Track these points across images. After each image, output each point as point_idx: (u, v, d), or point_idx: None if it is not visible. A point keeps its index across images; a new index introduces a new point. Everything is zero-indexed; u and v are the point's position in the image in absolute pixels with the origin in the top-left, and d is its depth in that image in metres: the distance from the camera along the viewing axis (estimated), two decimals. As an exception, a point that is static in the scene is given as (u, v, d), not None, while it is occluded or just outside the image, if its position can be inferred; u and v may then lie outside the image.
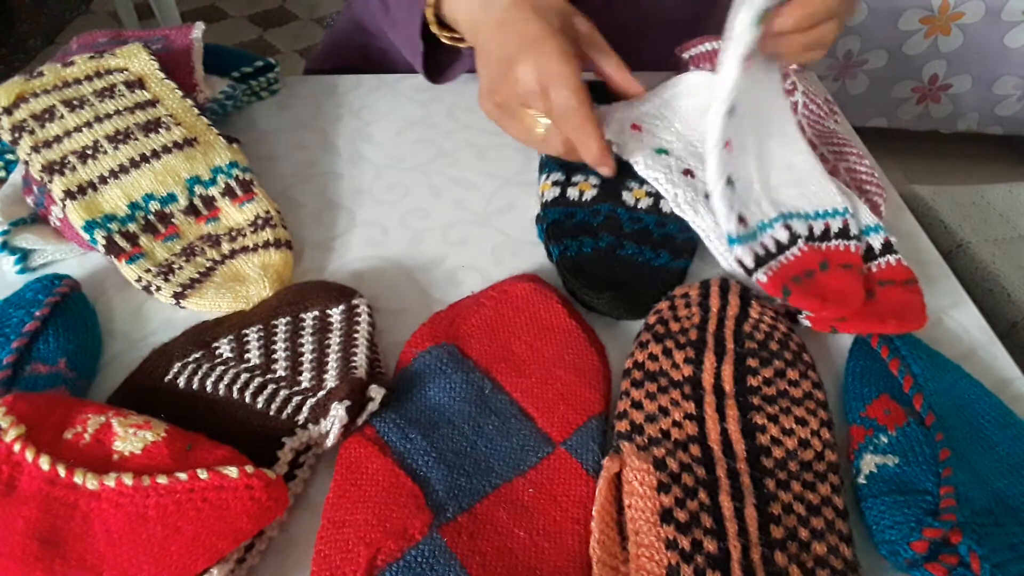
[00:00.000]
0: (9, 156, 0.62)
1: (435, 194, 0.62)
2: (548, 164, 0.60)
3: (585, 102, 0.50)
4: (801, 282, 0.49)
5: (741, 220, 0.51)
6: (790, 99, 0.63)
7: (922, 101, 1.78)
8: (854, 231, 0.52)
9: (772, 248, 0.51)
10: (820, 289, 0.48)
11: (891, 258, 0.51)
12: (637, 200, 0.57)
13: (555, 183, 0.58)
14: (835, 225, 0.52)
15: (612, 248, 0.54)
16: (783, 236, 0.51)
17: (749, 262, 0.50)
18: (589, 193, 0.57)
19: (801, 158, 0.56)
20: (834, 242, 0.52)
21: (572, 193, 0.58)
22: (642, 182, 0.59)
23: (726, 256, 0.53)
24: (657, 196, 0.58)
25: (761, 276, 0.49)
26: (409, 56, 0.67)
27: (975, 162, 1.93)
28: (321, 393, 0.43)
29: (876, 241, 0.52)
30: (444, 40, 0.62)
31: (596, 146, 0.51)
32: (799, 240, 0.51)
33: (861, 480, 0.41)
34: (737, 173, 0.52)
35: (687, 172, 0.57)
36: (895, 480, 0.40)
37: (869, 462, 0.41)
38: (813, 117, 0.63)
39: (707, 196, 0.55)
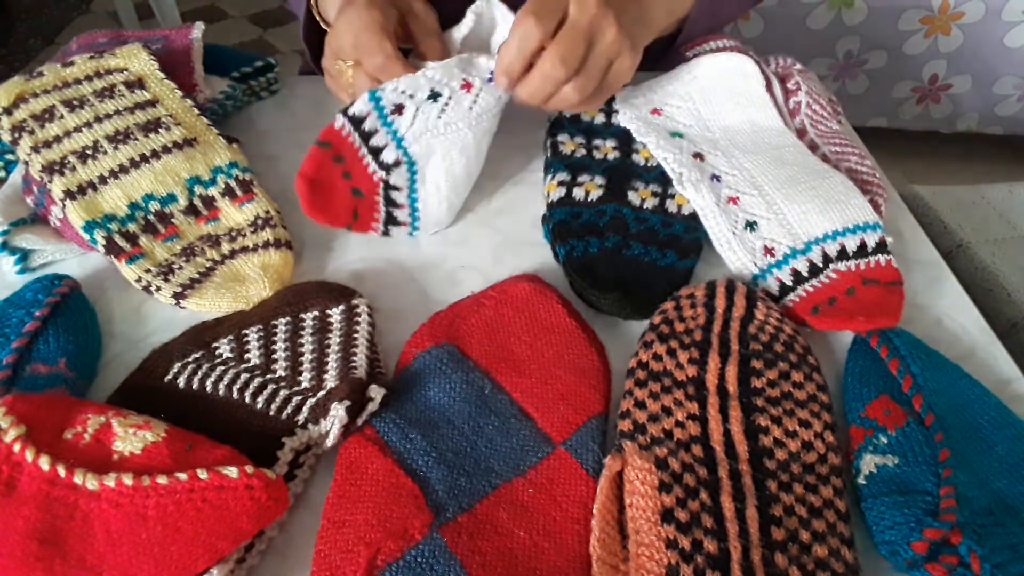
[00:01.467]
0: (9, 156, 0.62)
1: (435, 194, 0.62)
2: (554, 164, 0.60)
3: (391, 54, 0.52)
4: (836, 302, 0.49)
5: (769, 251, 0.52)
6: (793, 99, 0.64)
7: (922, 101, 1.78)
8: (891, 245, 0.52)
9: (804, 272, 0.51)
10: (857, 306, 0.48)
11: (881, 258, 0.51)
12: (643, 200, 0.57)
13: (561, 183, 0.58)
14: (871, 240, 0.52)
15: (618, 248, 0.54)
16: (817, 258, 0.52)
17: (776, 290, 0.51)
18: (595, 193, 0.58)
19: (826, 177, 0.56)
20: (872, 258, 0.51)
21: (578, 193, 0.58)
22: (647, 182, 0.59)
23: (731, 256, 0.53)
24: (663, 196, 0.58)
25: (793, 298, 0.50)
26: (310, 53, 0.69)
27: (975, 162, 1.92)
28: (321, 393, 0.43)
29: (871, 239, 0.52)
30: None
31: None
32: (831, 263, 0.51)
33: (861, 480, 0.41)
34: (757, 214, 0.54)
35: (697, 155, 0.58)
36: (895, 480, 0.40)
37: (869, 462, 0.41)
38: (816, 117, 0.63)
39: (713, 177, 0.56)
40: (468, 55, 0.52)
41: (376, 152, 0.51)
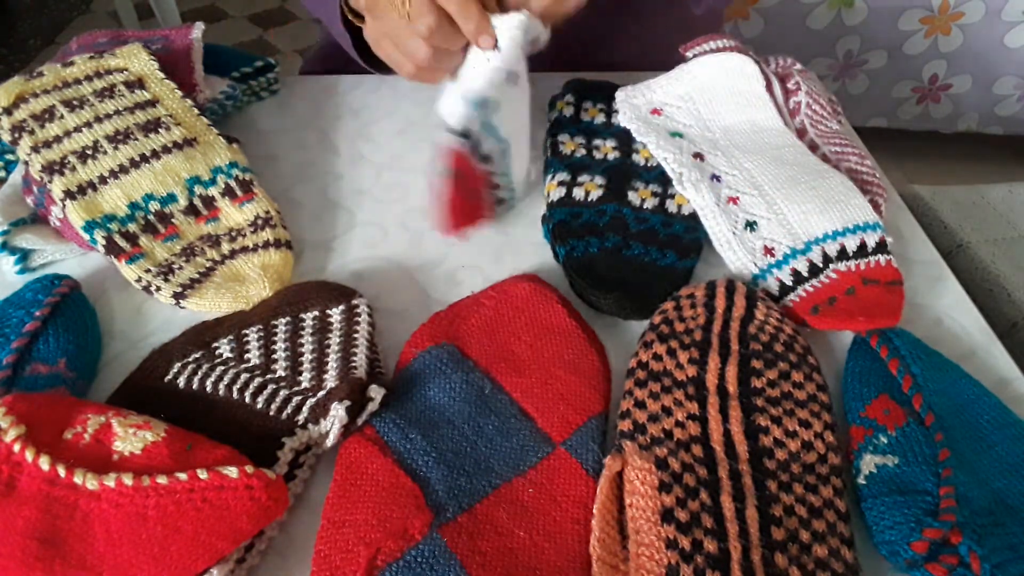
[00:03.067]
0: (9, 156, 0.62)
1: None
2: (553, 164, 0.60)
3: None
4: (835, 302, 0.49)
5: (769, 251, 0.52)
6: (794, 99, 0.64)
7: (922, 101, 1.78)
8: (891, 245, 0.52)
9: (805, 272, 0.51)
10: (857, 306, 0.48)
11: (881, 258, 0.51)
12: (643, 200, 0.57)
13: (561, 183, 0.58)
14: (871, 240, 0.52)
15: (618, 248, 0.54)
16: (817, 258, 0.52)
17: (776, 290, 0.51)
18: (595, 193, 0.58)
19: (826, 177, 0.56)
20: (872, 258, 0.51)
21: (578, 193, 0.58)
22: (647, 182, 0.59)
23: (731, 256, 0.53)
24: (663, 196, 0.58)
25: (793, 298, 0.50)
26: (348, 49, 0.66)
27: (975, 162, 1.92)
28: (321, 393, 0.43)
29: (871, 239, 0.52)
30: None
31: (475, 16, 0.50)
32: (831, 263, 0.51)
33: (861, 480, 0.41)
34: (757, 214, 0.54)
35: (697, 155, 0.58)
36: (895, 480, 0.40)
37: (869, 462, 0.41)
38: (816, 117, 0.63)
39: (713, 177, 0.56)
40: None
41: (479, 153, 0.51)
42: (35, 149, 0.55)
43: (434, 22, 0.50)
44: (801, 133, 0.63)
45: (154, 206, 0.55)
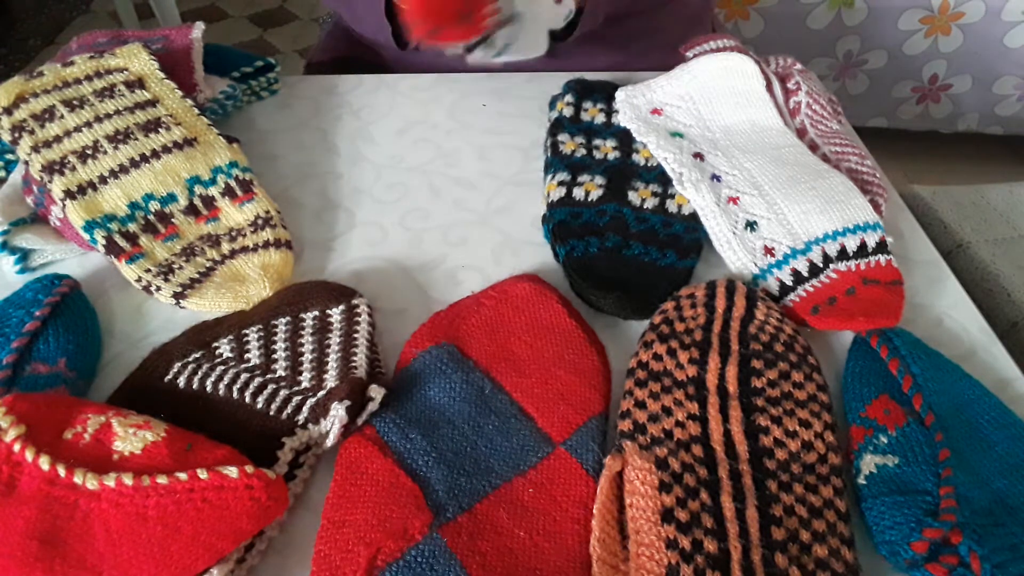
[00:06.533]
0: (9, 156, 0.62)
1: (435, 194, 0.62)
2: (554, 164, 0.60)
3: None
4: (836, 302, 0.49)
5: (769, 251, 0.52)
6: (794, 99, 0.64)
7: (922, 101, 1.78)
8: (892, 245, 0.52)
9: (805, 272, 0.51)
10: (857, 306, 0.48)
11: (882, 257, 0.51)
12: (643, 200, 0.57)
13: (561, 183, 0.58)
14: (871, 240, 0.52)
15: (618, 248, 0.54)
16: (817, 258, 0.52)
17: (776, 290, 0.51)
18: (595, 193, 0.58)
19: (826, 177, 0.56)
20: (872, 258, 0.51)
21: (578, 193, 0.58)
22: (648, 182, 0.59)
23: (731, 256, 0.53)
24: (663, 196, 0.58)
25: (793, 298, 0.50)
26: (375, 32, 0.67)
27: (975, 162, 1.92)
28: (321, 393, 0.43)
29: (871, 239, 0.52)
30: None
31: None
32: (831, 263, 0.51)
33: (861, 480, 0.41)
34: (757, 214, 0.54)
35: (697, 155, 0.58)
36: (895, 480, 0.40)
37: (869, 462, 0.41)
38: (816, 117, 0.63)
39: (713, 177, 0.56)
40: None
41: None
42: (35, 149, 0.55)
43: None
44: (801, 133, 0.63)
45: (154, 206, 0.55)
